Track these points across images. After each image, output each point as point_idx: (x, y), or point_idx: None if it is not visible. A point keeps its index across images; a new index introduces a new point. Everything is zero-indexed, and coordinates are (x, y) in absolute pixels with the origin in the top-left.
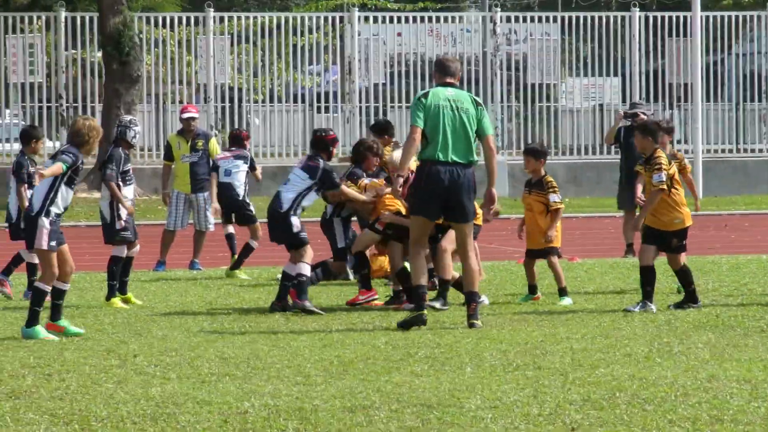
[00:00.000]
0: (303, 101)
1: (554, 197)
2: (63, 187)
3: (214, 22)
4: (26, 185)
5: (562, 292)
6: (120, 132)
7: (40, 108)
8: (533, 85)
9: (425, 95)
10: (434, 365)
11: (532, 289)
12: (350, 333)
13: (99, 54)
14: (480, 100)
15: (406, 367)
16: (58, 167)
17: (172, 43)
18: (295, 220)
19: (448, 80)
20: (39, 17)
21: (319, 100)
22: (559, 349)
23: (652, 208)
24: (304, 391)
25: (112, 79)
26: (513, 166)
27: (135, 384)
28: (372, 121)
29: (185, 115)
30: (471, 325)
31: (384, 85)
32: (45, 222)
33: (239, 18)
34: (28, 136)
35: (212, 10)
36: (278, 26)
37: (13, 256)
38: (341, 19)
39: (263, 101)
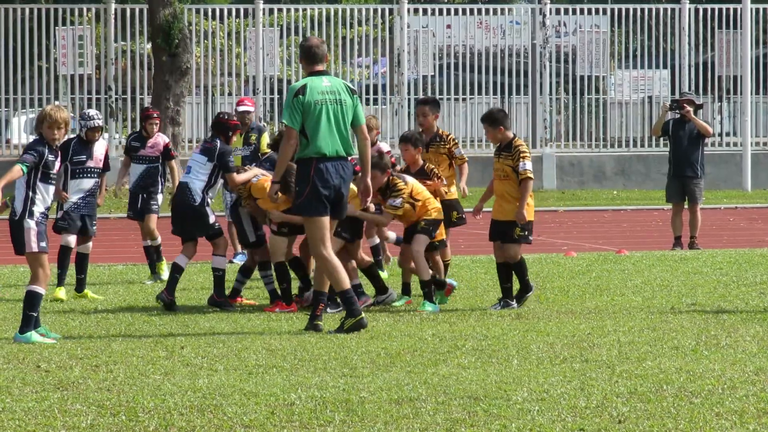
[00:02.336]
0: None
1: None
2: (40, 185)
3: (264, 14)
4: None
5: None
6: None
7: (89, 100)
8: (582, 78)
9: (302, 92)
10: (481, 357)
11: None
12: (397, 325)
13: (148, 46)
14: (354, 87)
15: (453, 360)
16: (17, 171)
17: (222, 35)
18: (210, 211)
19: (319, 68)
20: (89, 9)
21: (368, 92)
22: (606, 342)
23: None
24: (350, 383)
25: (161, 71)
26: (561, 159)
27: (182, 375)
28: None
29: (240, 108)
30: (314, 327)
31: (433, 77)
32: (31, 224)
33: (288, 10)
34: None
35: (262, 2)
36: (327, 18)
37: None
38: (390, 11)
39: None
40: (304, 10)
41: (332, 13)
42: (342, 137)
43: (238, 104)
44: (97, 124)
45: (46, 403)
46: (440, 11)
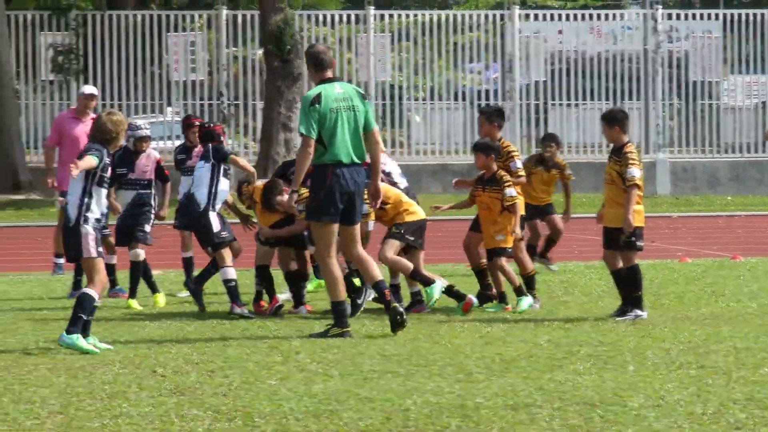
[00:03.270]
0: (464, 99)
1: (509, 192)
2: (95, 190)
3: (375, 19)
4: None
5: (518, 292)
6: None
7: (201, 105)
8: (695, 83)
9: (317, 101)
10: (597, 363)
11: (502, 296)
12: (512, 330)
13: (260, 52)
14: (364, 92)
15: (569, 365)
16: (91, 160)
17: (333, 40)
18: (214, 218)
19: (328, 74)
20: (201, 15)
21: (479, 98)
22: (723, 348)
23: None
24: (466, 389)
25: (273, 77)
26: (675, 164)
27: (297, 381)
28: (533, 119)
29: None
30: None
31: (545, 82)
32: (88, 229)
33: (400, 16)
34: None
35: (373, 8)
36: (439, 24)
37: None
38: (502, 16)
39: (424, 99)
40: (416, 15)
41: (443, 19)
42: (356, 143)
43: None
44: (145, 134)
45: (162, 408)
46: (552, 16)
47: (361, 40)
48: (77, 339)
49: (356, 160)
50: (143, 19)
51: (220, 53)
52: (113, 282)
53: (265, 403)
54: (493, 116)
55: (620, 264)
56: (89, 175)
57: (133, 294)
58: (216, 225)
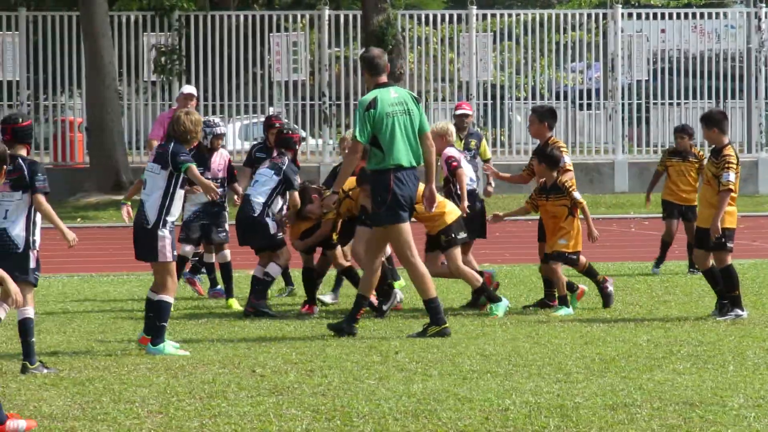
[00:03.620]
0: (565, 98)
1: (577, 195)
2: (178, 193)
3: (477, 19)
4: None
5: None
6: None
7: (303, 106)
8: None
9: (373, 105)
10: (696, 363)
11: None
12: (611, 330)
13: (362, 52)
14: (416, 95)
15: (668, 365)
16: (195, 169)
17: (435, 40)
18: (270, 222)
19: (382, 79)
20: (303, 15)
21: (581, 98)
22: None
23: None
24: (565, 389)
25: None
26: None
27: (396, 380)
28: (635, 119)
29: (458, 112)
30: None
31: (647, 81)
32: (165, 233)
33: (502, 15)
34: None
35: (475, 7)
36: (541, 23)
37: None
38: (604, 15)
39: (525, 98)
40: (518, 15)
41: (546, 18)
42: (413, 147)
43: (456, 108)
44: (222, 131)
45: (261, 408)
46: (654, 15)
47: (463, 40)
48: (164, 348)
49: (414, 164)
50: (246, 19)
51: (322, 53)
52: (213, 281)
53: (364, 403)
54: (545, 116)
55: (710, 263)
56: (173, 177)
57: (230, 293)
58: (273, 227)
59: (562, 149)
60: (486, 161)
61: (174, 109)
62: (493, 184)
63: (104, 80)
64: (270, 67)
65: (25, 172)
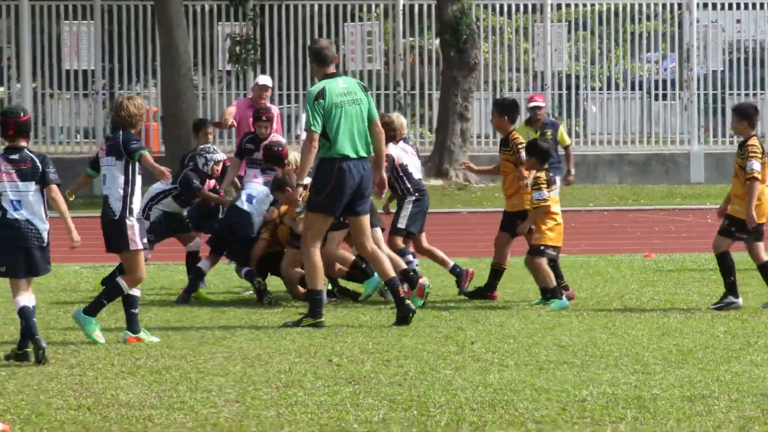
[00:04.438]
0: (640, 89)
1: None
2: (138, 179)
3: (552, 9)
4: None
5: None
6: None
7: (378, 95)
8: None
9: (322, 96)
10: None
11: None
12: (688, 322)
13: (436, 41)
14: (365, 84)
15: (746, 357)
16: (149, 156)
17: (510, 30)
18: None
19: (331, 70)
20: (377, 5)
21: (656, 88)
22: None
23: None
24: (642, 380)
25: (449, 67)
26: None
27: (473, 370)
28: (711, 109)
29: (531, 104)
30: (407, 309)
31: (722, 72)
32: (133, 221)
33: (576, 5)
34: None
35: None
36: (616, 13)
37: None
38: (680, 5)
39: (600, 89)
40: (593, 5)
41: (621, 8)
42: (361, 137)
43: (529, 101)
44: (220, 158)
45: (338, 397)
46: (730, 6)
47: (537, 30)
48: (91, 323)
49: (362, 154)
50: (320, 8)
51: (397, 43)
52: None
53: (440, 393)
54: (506, 109)
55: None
56: (129, 165)
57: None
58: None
59: (520, 147)
60: (566, 147)
61: (250, 98)
62: (573, 172)
63: (179, 70)
64: (344, 57)
65: (38, 163)
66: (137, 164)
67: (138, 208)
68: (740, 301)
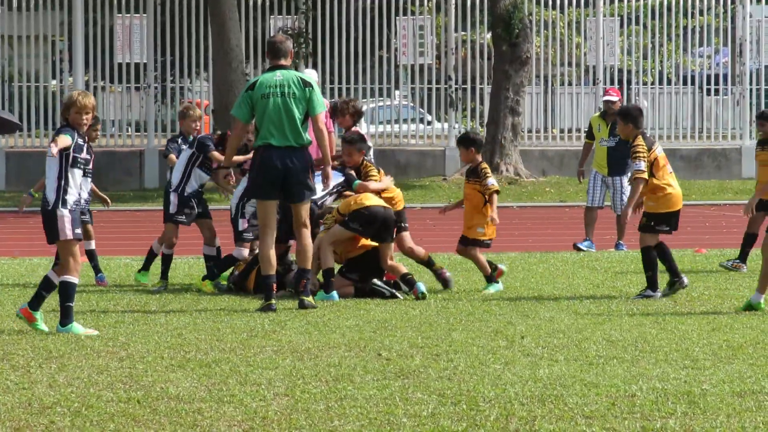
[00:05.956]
0: (692, 83)
1: (491, 181)
2: (71, 171)
3: (604, 3)
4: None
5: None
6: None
7: (429, 90)
8: None
9: (252, 86)
10: None
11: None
12: (738, 317)
13: (488, 35)
14: (310, 79)
15: None
16: (65, 139)
17: (562, 24)
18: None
19: (280, 62)
20: None
21: (708, 83)
22: None
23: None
24: (692, 375)
25: (501, 61)
26: None
27: (522, 365)
28: (763, 104)
29: (605, 98)
30: (300, 304)
31: None
32: (64, 212)
33: None
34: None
35: None
36: (669, 7)
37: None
38: (733, 0)
39: (652, 83)
40: None
41: (673, 2)
42: (290, 128)
43: (604, 94)
44: None
45: (387, 391)
46: None
47: (589, 24)
48: (73, 328)
49: (290, 144)
50: (372, 2)
51: (449, 37)
52: (96, 269)
53: (490, 388)
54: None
55: None
56: (63, 157)
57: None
58: (242, 224)
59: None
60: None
61: None
62: None
63: (231, 63)
64: (396, 51)
65: None
66: (71, 158)
67: (73, 199)
68: (658, 294)
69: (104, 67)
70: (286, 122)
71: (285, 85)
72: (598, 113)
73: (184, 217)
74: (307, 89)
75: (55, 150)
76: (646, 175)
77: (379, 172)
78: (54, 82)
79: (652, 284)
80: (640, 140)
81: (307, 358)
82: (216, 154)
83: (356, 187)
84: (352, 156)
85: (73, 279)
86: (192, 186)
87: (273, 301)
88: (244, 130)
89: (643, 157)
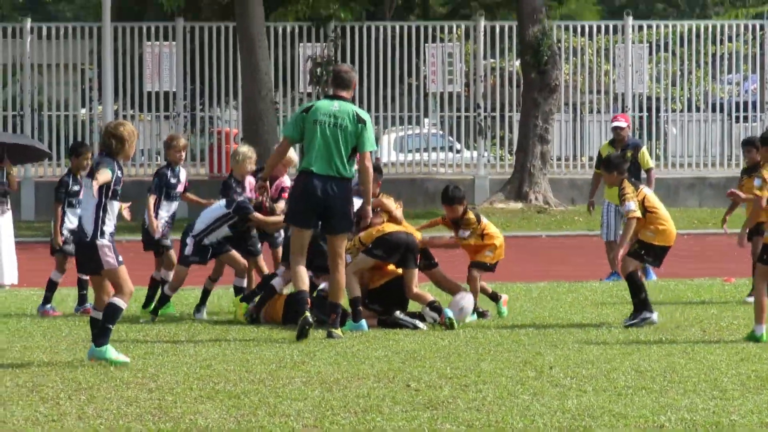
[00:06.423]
0: (721, 111)
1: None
2: (110, 203)
3: (633, 30)
4: (62, 204)
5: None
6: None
7: (458, 117)
8: None
9: (308, 109)
10: None
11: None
12: (767, 347)
13: (517, 63)
14: (365, 116)
15: None
16: (106, 175)
17: (591, 51)
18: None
19: (340, 93)
20: (458, 26)
21: (737, 110)
22: None
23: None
24: (720, 406)
25: (530, 88)
26: None
27: (551, 396)
28: None
29: (614, 124)
30: (328, 335)
31: None
32: (104, 241)
33: (658, 26)
34: (73, 152)
35: (631, 18)
36: (697, 34)
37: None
38: (761, 27)
39: (681, 111)
40: (674, 26)
41: (702, 29)
42: (336, 159)
43: (612, 120)
44: None
45: (416, 422)
46: None
47: (618, 51)
48: (107, 351)
49: (331, 173)
50: (401, 30)
51: (478, 64)
52: (83, 298)
53: (519, 419)
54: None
55: None
56: (103, 189)
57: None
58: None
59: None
60: (648, 170)
61: None
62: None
63: (260, 91)
64: (425, 78)
65: None
66: (111, 189)
67: (110, 229)
68: (655, 316)
69: (133, 96)
70: (334, 152)
71: (339, 117)
72: (607, 142)
73: (198, 258)
74: (359, 125)
75: (95, 188)
76: (638, 214)
77: (396, 201)
78: (83, 110)
79: (644, 306)
80: (626, 184)
81: (336, 389)
82: (258, 215)
83: (372, 203)
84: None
85: (122, 304)
86: (211, 239)
87: (308, 315)
88: (287, 149)
89: (632, 197)
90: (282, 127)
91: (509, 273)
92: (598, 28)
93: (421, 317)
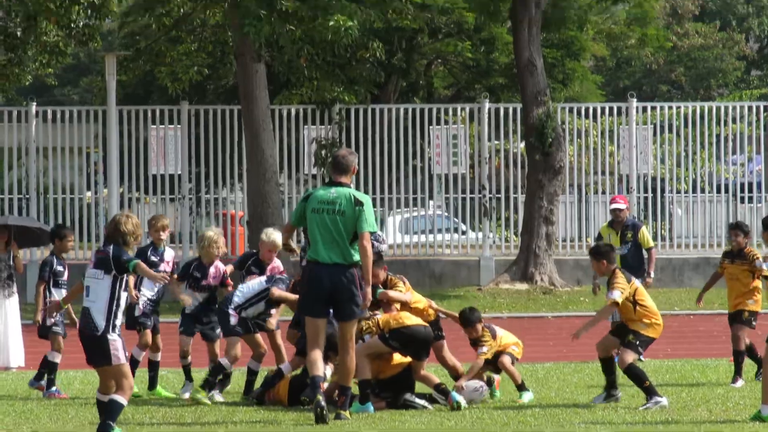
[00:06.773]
0: (726, 191)
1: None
2: (123, 295)
3: (637, 111)
4: (47, 284)
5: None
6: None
7: (463, 199)
8: None
9: (306, 198)
10: None
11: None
12: None
13: (522, 144)
14: (363, 198)
15: None
16: (143, 265)
17: (595, 133)
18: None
19: (339, 178)
20: (463, 108)
21: (742, 191)
22: None
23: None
24: None
25: (534, 170)
26: None
27: None
28: None
29: (612, 206)
30: (337, 416)
31: None
32: (115, 336)
33: (662, 108)
34: (56, 235)
35: (635, 100)
36: (701, 116)
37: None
38: (765, 108)
39: (686, 191)
40: (678, 107)
41: (706, 110)
42: (338, 246)
43: (611, 202)
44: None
45: None
46: None
47: (623, 133)
48: None
49: (336, 261)
50: (406, 112)
51: (482, 146)
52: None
53: None
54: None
55: None
56: (117, 280)
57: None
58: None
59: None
60: (649, 249)
61: None
62: (651, 275)
63: (265, 173)
64: (430, 160)
65: None
66: (125, 280)
67: (119, 323)
68: (665, 400)
69: (139, 179)
70: (335, 240)
71: (337, 203)
72: (606, 223)
73: (242, 330)
74: (357, 207)
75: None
76: (619, 301)
77: (404, 284)
78: (89, 193)
79: (652, 392)
80: (618, 273)
81: None
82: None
83: (379, 295)
84: (377, 276)
85: (123, 401)
86: (248, 313)
87: (320, 398)
88: (290, 231)
89: (621, 288)
90: (287, 209)
91: None
92: (603, 109)
93: (431, 398)
